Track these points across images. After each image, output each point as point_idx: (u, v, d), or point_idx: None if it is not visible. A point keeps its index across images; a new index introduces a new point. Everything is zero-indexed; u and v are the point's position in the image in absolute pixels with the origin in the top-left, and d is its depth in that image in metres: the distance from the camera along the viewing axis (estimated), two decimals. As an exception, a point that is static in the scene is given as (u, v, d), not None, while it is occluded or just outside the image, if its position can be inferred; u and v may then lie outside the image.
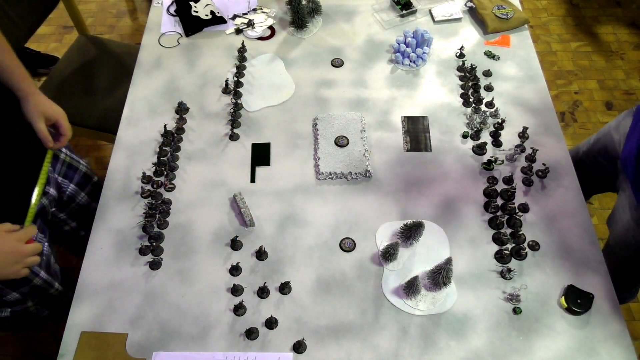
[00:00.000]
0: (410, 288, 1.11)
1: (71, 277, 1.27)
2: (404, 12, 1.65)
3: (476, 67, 1.48)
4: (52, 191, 1.29)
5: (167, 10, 1.65)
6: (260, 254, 1.18)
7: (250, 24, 1.61)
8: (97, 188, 1.56)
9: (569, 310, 1.11)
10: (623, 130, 1.39)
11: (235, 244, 1.19)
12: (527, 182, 1.30)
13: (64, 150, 1.38)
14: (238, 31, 1.61)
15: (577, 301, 1.10)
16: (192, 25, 1.60)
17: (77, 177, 1.42)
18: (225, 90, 1.47)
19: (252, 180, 1.31)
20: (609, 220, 1.47)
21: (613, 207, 1.45)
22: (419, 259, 1.19)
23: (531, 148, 1.33)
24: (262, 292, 1.12)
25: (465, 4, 1.67)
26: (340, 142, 1.35)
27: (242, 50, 1.54)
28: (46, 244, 1.30)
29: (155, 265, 1.17)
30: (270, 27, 1.62)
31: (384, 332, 1.09)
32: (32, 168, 1.21)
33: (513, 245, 1.20)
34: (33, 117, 1.17)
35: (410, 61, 1.52)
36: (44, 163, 1.24)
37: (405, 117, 1.42)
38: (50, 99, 1.22)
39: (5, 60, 1.14)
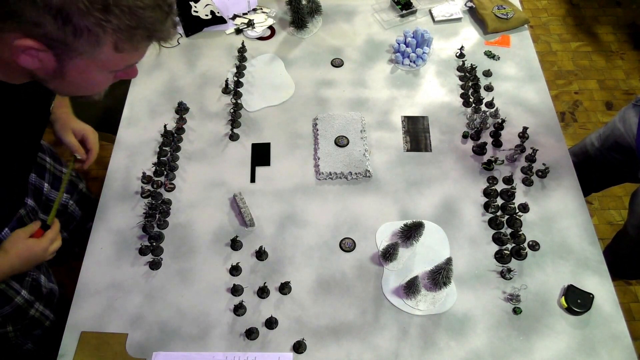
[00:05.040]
0: (410, 288, 1.11)
1: (66, 301, 1.21)
2: (404, 12, 1.65)
3: (476, 67, 1.48)
4: (29, 202, 1.23)
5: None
6: (260, 254, 1.18)
7: (250, 24, 1.61)
8: (84, 197, 1.53)
9: (569, 310, 1.11)
10: (629, 122, 1.44)
11: (235, 244, 1.19)
12: (527, 182, 1.30)
13: (48, 159, 1.34)
14: (238, 31, 1.61)
15: (577, 301, 1.10)
16: (192, 25, 1.60)
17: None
18: (225, 90, 1.47)
19: (252, 180, 1.31)
20: (631, 202, 1.52)
21: (636, 189, 1.50)
22: (419, 259, 1.19)
23: (531, 148, 1.33)
24: (262, 292, 1.12)
25: (465, 4, 1.67)
26: (340, 142, 1.35)
27: (242, 50, 1.54)
28: None
29: (155, 265, 1.17)
30: (270, 27, 1.62)
31: (384, 332, 1.09)
32: (26, 159, 1.14)
33: (513, 245, 1.20)
34: (62, 132, 1.21)
35: (410, 61, 1.52)
36: (67, 171, 1.29)
37: (405, 117, 1.42)
38: (84, 123, 1.27)
39: None
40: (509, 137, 1.38)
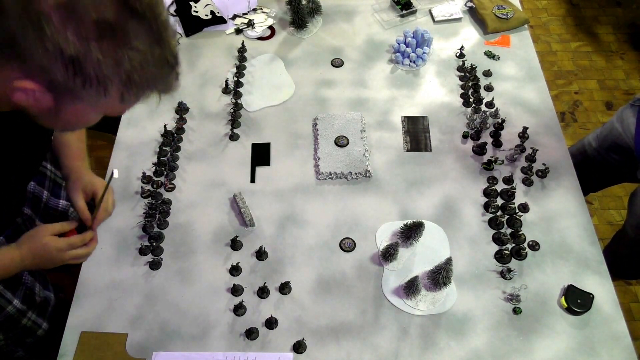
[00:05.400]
0: (410, 288, 1.11)
1: (65, 303, 1.17)
2: (404, 12, 1.65)
3: (476, 67, 1.48)
4: (27, 210, 1.21)
5: (167, 10, 1.65)
6: (260, 254, 1.18)
7: (250, 24, 1.61)
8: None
9: (569, 310, 1.11)
10: (626, 122, 1.44)
11: (235, 244, 1.19)
12: (527, 182, 1.30)
13: (49, 166, 1.30)
14: (238, 31, 1.61)
15: (577, 301, 1.10)
16: (192, 25, 1.60)
17: (64, 192, 1.34)
18: (225, 90, 1.47)
19: (252, 180, 1.31)
20: (630, 202, 1.52)
21: (635, 189, 1.49)
22: (419, 259, 1.19)
23: (531, 148, 1.33)
24: (262, 292, 1.12)
25: (465, 4, 1.67)
26: (340, 142, 1.35)
27: (242, 50, 1.54)
28: (26, 274, 1.24)
29: (155, 265, 1.17)
30: (270, 27, 1.62)
31: (384, 332, 1.09)
32: (26, 172, 1.12)
33: (513, 245, 1.20)
34: (72, 191, 1.12)
35: (410, 61, 1.52)
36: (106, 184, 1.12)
37: (405, 117, 1.42)
38: (96, 176, 1.14)
39: (68, 138, 1.12)
40: (509, 137, 1.38)
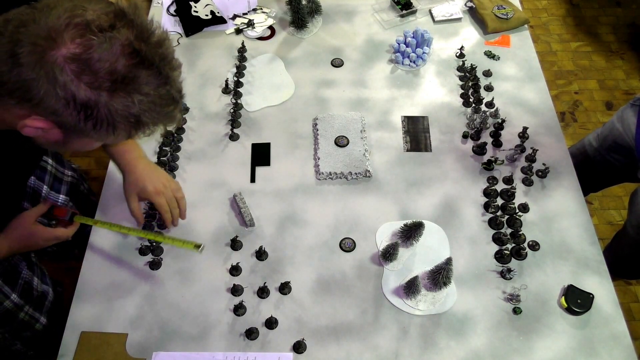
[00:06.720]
0: (410, 288, 1.11)
1: (63, 306, 1.17)
2: (404, 12, 1.65)
3: (476, 67, 1.48)
4: (26, 205, 1.22)
5: (167, 10, 1.65)
6: (260, 254, 1.18)
7: (250, 24, 1.61)
8: (85, 199, 1.50)
9: (569, 310, 1.11)
10: (627, 122, 1.44)
11: (235, 244, 1.19)
12: (527, 182, 1.30)
13: (50, 161, 1.32)
14: (238, 31, 1.61)
15: (577, 301, 1.10)
16: (192, 25, 1.60)
17: (64, 187, 1.37)
18: (225, 90, 1.47)
19: (252, 180, 1.31)
20: (630, 202, 1.52)
21: (635, 188, 1.49)
22: (419, 259, 1.19)
23: (531, 148, 1.33)
24: (262, 292, 1.12)
25: (465, 4, 1.67)
26: (340, 142, 1.35)
27: (242, 50, 1.54)
28: (25, 268, 1.25)
29: (155, 265, 1.17)
30: (270, 27, 1.62)
31: (384, 332, 1.09)
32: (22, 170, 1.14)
33: (513, 245, 1.20)
34: (127, 194, 1.18)
35: (410, 61, 1.52)
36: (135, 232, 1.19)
37: (405, 117, 1.42)
38: (155, 171, 1.19)
39: None
40: (509, 137, 1.38)
